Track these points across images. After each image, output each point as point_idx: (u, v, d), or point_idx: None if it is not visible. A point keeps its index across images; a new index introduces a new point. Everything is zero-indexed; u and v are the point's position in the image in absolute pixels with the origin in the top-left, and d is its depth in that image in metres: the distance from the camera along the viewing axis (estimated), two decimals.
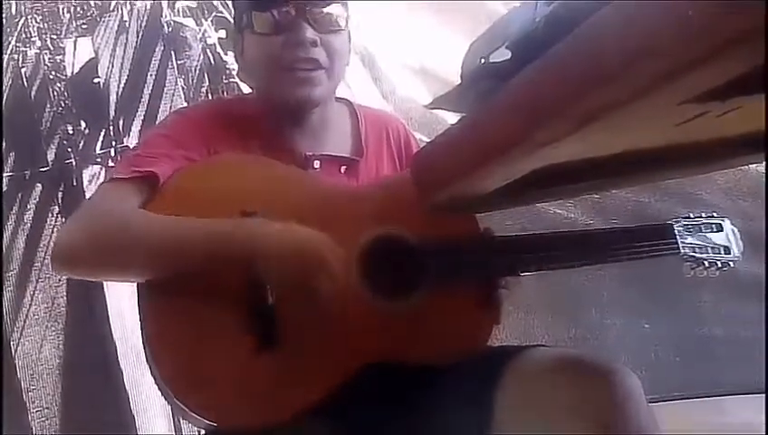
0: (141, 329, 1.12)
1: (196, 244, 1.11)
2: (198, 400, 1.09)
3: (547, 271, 1.23)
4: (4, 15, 2.76)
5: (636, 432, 0.94)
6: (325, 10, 1.21)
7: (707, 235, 1.28)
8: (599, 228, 1.26)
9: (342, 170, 1.30)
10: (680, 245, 1.25)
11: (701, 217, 1.29)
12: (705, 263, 1.28)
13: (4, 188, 2.59)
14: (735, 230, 1.33)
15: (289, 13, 1.20)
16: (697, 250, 1.26)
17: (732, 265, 1.30)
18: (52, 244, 2.53)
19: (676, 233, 1.25)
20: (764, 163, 0.91)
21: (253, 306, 1.11)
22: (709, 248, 1.27)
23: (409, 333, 1.16)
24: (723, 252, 1.28)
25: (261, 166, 1.24)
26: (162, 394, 1.11)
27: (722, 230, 1.30)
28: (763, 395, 1.61)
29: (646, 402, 0.96)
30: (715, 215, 1.31)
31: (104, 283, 2.46)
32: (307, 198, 1.21)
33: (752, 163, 0.93)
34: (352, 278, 1.15)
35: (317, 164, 1.27)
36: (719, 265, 1.29)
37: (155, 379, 1.10)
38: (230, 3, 2.61)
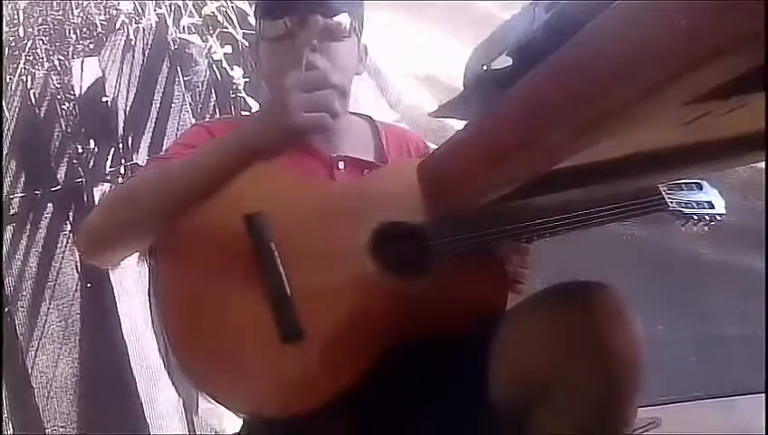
0: (162, 332, 1.12)
1: (201, 162, 1.13)
2: (228, 393, 1.10)
3: (539, 239, 1.23)
4: (11, 39, 2.79)
5: (627, 348, 0.97)
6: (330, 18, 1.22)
7: (689, 193, 1.29)
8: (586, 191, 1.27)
9: (365, 174, 1.31)
10: (667, 200, 1.24)
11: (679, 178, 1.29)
12: (694, 217, 1.28)
13: (16, 209, 2.61)
14: (714, 189, 1.33)
15: (293, 19, 1.22)
16: (684, 206, 1.26)
17: (719, 219, 1.30)
18: (63, 263, 2.57)
19: (662, 190, 1.25)
20: (765, 162, 0.91)
21: (273, 299, 1.12)
22: (694, 204, 1.28)
23: (428, 307, 1.17)
24: (708, 207, 1.29)
25: (269, 172, 1.25)
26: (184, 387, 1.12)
27: (702, 189, 1.30)
28: None
29: (634, 318, 0.98)
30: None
31: (117, 300, 2.48)
32: (314, 199, 1.22)
33: (759, 161, 0.93)
34: (368, 263, 1.16)
35: (341, 165, 1.29)
36: (707, 220, 1.29)
37: (179, 377, 1.11)
38: (234, 19, 2.63)
